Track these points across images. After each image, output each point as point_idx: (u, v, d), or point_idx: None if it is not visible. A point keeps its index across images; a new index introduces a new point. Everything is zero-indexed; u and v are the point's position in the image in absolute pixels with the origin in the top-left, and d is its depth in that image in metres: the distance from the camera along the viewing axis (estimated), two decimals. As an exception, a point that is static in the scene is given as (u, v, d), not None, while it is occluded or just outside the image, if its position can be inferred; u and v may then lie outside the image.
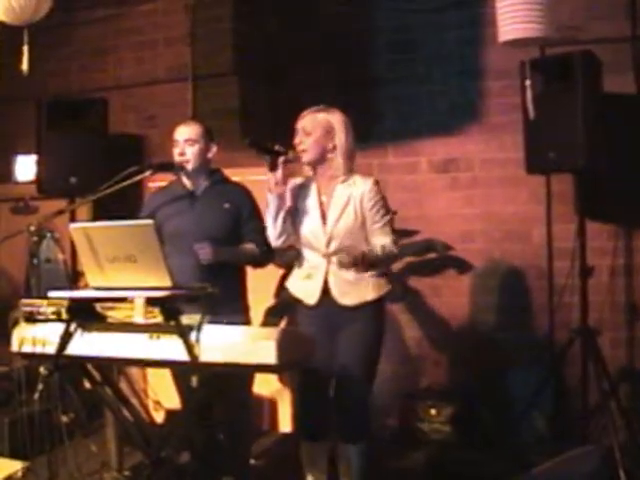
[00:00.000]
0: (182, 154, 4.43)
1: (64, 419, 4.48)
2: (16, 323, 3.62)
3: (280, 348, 3.07)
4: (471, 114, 5.86)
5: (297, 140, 4.16)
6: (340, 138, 4.13)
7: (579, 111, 4.86)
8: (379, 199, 4.13)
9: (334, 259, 4.09)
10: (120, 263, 3.27)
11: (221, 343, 3.18)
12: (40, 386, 3.76)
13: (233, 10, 6.45)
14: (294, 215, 4.21)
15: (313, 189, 4.23)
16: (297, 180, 4.32)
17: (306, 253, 4.23)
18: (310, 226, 4.17)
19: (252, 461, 4.93)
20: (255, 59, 6.39)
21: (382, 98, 6.09)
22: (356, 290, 4.09)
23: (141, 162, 5.44)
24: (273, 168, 4.06)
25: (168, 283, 3.20)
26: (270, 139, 4.12)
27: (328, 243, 4.11)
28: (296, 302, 4.30)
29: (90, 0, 6.96)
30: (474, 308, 5.88)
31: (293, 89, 6.08)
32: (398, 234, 5.67)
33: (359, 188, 4.11)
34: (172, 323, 3.19)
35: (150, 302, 3.29)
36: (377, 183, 4.17)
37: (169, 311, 3.20)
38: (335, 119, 4.16)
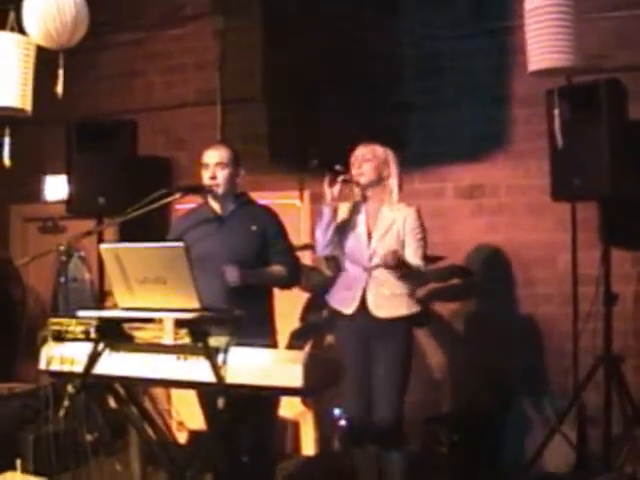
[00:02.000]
0: (213, 177, 4.46)
1: (88, 438, 4.51)
2: (45, 341, 3.65)
3: (307, 371, 3.09)
4: (497, 141, 5.89)
5: (357, 165, 4.58)
6: (394, 169, 4.61)
7: (604, 139, 4.88)
8: (419, 224, 4.55)
9: (374, 272, 4.48)
10: (149, 284, 3.29)
11: (248, 365, 3.20)
12: (66, 404, 3.77)
13: (262, 36, 6.52)
14: (342, 231, 4.58)
15: (362, 210, 4.63)
16: (348, 203, 4.69)
17: (348, 266, 4.59)
18: (356, 242, 4.56)
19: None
20: (283, 84, 6.44)
21: (409, 124, 6.12)
22: (390, 304, 4.47)
23: (169, 184, 5.51)
24: (332, 184, 4.48)
25: (197, 305, 3.23)
26: (332, 159, 4.57)
27: (370, 258, 4.50)
28: (335, 313, 4.63)
29: (119, 24, 7.04)
30: (497, 334, 5.87)
31: (321, 114, 6.13)
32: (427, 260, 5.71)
33: (402, 213, 4.54)
34: (200, 345, 3.23)
35: (178, 323, 3.33)
36: (419, 211, 4.58)
37: (197, 333, 3.23)
38: (390, 154, 4.63)
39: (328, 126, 5.96)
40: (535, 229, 5.77)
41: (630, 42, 5.46)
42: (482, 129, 5.94)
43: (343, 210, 4.64)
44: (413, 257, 4.47)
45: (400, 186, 4.61)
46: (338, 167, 4.50)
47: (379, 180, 4.58)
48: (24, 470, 4.68)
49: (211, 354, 3.20)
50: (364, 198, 4.65)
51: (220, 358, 3.20)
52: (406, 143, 6.05)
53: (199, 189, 4.53)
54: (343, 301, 4.56)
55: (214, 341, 3.23)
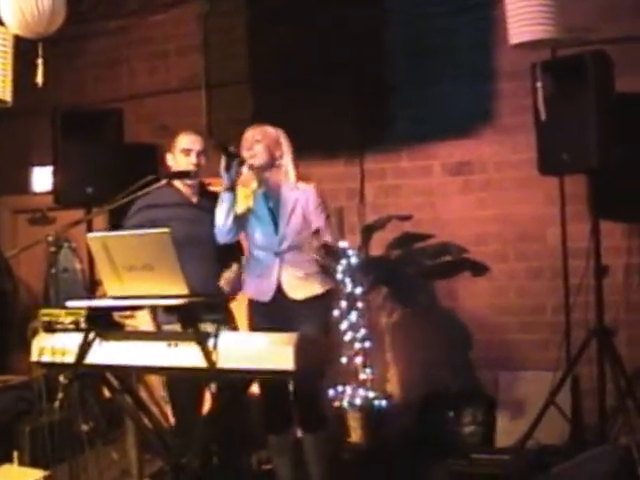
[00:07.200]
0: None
1: (84, 427, 4.51)
2: (35, 333, 3.65)
3: (298, 354, 3.10)
4: (484, 116, 5.86)
5: (247, 147, 4.42)
6: (287, 148, 4.48)
7: (591, 111, 4.86)
8: (322, 201, 4.45)
9: (286, 256, 4.37)
10: (137, 272, 3.30)
11: (239, 349, 3.20)
12: (60, 395, 3.77)
13: (246, 19, 6.49)
14: (244, 218, 4.43)
15: (261, 195, 4.48)
16: (247, 189, 4.50)
17: (257, 254, 4.46)
18: (262, 227, 4.43)
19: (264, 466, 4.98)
20: (268, 67, 6.43)
21: (395, 102, 6.11)
22: (305, 285, 4.37)
23: (156, 171, 5.47)
24: (228, 168, 4.27)
25: (185, 290, 3.24)
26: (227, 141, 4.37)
27: (280, 243, 4.38)
28: (250, 300, 4.51)
29: (102, 12, 7.00)
30: (490, 310, 5.88)
31: (307, 96, 6.12)
32: (413, 238, 5.72)
33: (302, 192, 4.43)
34: (190, 330, 3.22)
35: (168, 310, 3.33)
36: (318, 188, 4.50)
37: (187, 318, 3.23)
38: (281, 133, 4.51)
39: (314, 108, 5.95)
40: (524, 204, 5.76)
41: (616, 14, 5.44)
42: (469, 105, 5.91)
43: (243, 195, 4.44)
44: (326, 235, 4.33)
45: (296, 165, 4.48)
46: (232, 149, 4.29)
47: (272, 160, 4.43)
48: (21, 462, 4.68)
49: (202, 339, 3.20)
50: (261, 181, 4.48)
51: (211, 343, 3.21)
52: (392, 122, 6.06)
53: (185, 174, 4.54)
54: (259, 290, 4.43)
55: (204, 326, 3.24)
